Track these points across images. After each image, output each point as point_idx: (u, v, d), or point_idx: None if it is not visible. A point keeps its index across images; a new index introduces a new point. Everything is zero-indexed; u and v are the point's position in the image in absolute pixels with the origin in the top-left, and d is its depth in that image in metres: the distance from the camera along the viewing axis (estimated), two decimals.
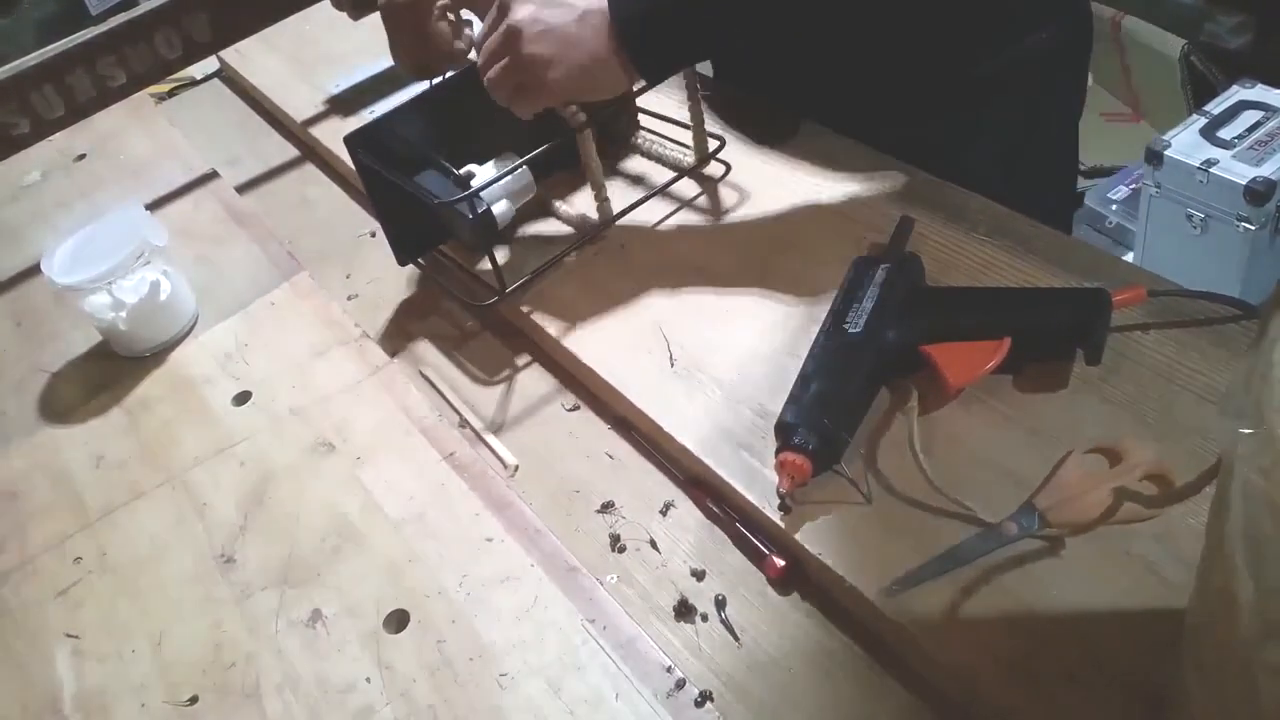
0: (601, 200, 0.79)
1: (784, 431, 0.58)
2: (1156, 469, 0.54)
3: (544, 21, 0.68)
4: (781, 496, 0.56)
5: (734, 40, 0.76)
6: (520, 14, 0.68)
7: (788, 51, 0.86)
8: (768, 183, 0.81)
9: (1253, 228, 1.80)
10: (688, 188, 0.83)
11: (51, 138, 1.00)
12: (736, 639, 0.55)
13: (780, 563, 0.57)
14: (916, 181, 0.78)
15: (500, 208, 0.78)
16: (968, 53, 0.81)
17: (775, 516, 0.58)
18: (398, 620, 0.60)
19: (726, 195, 0.81)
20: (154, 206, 1.02)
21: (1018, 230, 0.71)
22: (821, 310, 0.68)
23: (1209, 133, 1.89)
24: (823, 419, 0.57)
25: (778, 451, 0.57)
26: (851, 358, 0.61)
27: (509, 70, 0.70)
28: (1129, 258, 1.93)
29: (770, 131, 0.86)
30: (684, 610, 0.57)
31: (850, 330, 0.62)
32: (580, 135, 0.75)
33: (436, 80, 0.85)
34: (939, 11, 0.79)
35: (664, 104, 0.90)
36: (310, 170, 1.04)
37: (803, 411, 0.58)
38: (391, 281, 0.86)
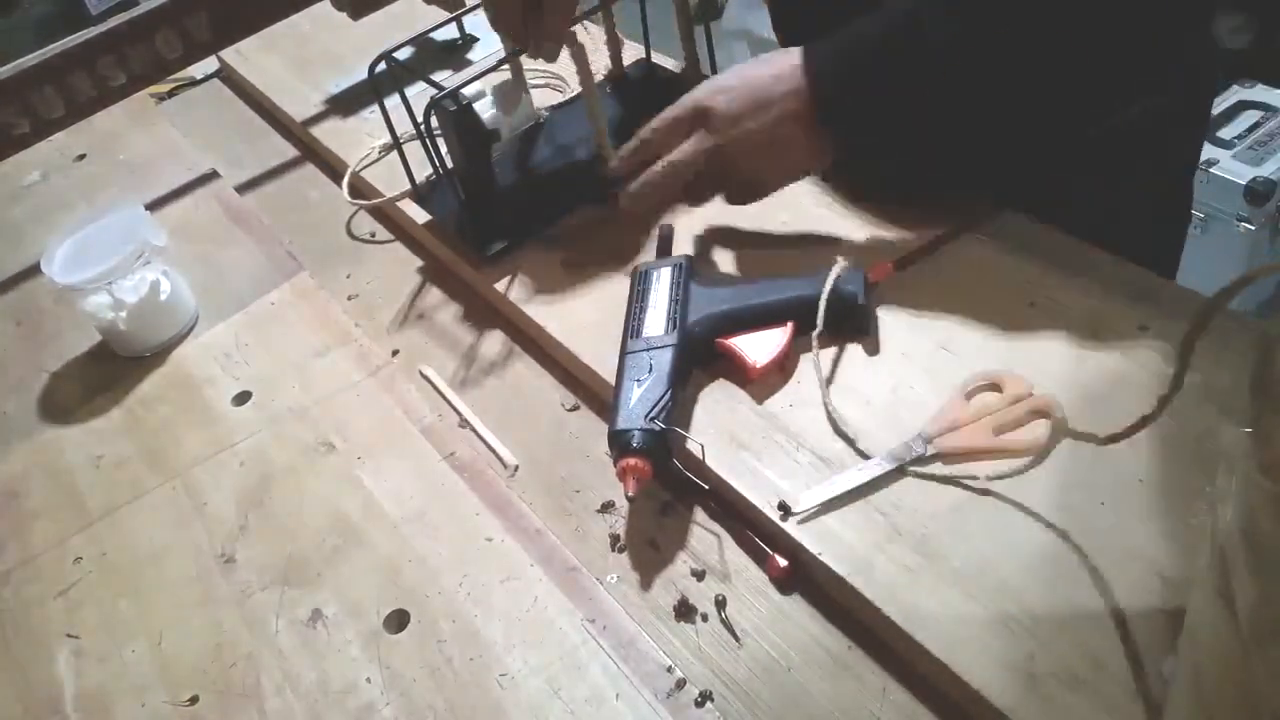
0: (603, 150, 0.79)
1: (618, 440, 0.61)
2: (1038, 403, 0.58)
3: (746, 129, 0.67)
4: (629, 499, 0.59)
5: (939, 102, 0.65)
6: (733, 137, 0.67)
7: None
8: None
9: (1253, 228, 1.80)
10: None
11: (51, 138, 1.00)
12: (736, 639, 0.55)
13: (780, 563, 0.57)
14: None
15: (489, 114, 0.78)
16: (1077, 116, 0.73)
17: (775, 516, 0.58)
18: (398, 620, 0.60)
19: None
20: (154, 206, 1.02)
21: (1019, 232, 0.71)
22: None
23: (1209, 133, 1.89)
24: (651, 420, 0.61)
25: (616, 460, 0.60)
26: (661, 359, 0.65)
27: (722, 187, 0.72)
28: None
29: None
30: (684, 610, 0.57)
31: (652, 334, 0.66)
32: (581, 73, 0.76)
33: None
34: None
35: None
36: (310, 170, 1.04)
37: (631, 417, 0.61)
38: (391, 281, 0.86)
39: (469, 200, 0.80)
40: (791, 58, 0.67)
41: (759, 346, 0.65)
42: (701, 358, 0.67)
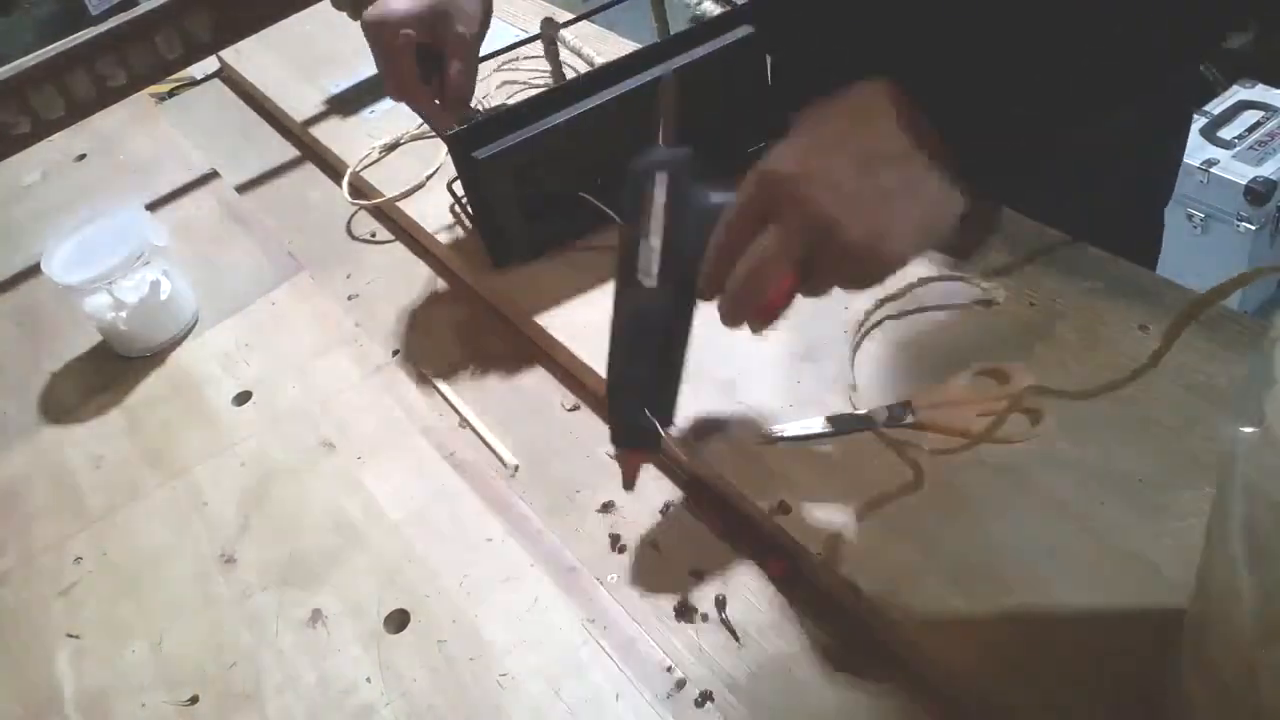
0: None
1: (616, 428, 0.55)
2: (1034, 401, 0.58)
3: (852, 189, 0.47)
4: (628, 488, 0.54)
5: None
6: (819, 200, 0.47)
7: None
8: None
9: (1253, 228, 1.80)
10: None
11: (51, 138, 1.00)
12: (737, 639, 0.55)
13: (780, 563, 0.57)
14: None
15: None
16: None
17: (775, 516, 0.58)
18: (398, 620, 0.60)
19: None
20: (154, 206, 1.02)
21: (1017, 230, 0.71)
22: (820, 312, 0.68)
23: (1209, 133, 1.90)
24: (641, 408, 0.51)
25: (616, 444, 0.55)
26: (651, 322, 0.50)
27: (839, 267, 0.49)
28: None
29: None
30: (684, 610, 0.57)
31: (645, 283, 0.50)
32: None
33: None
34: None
35: None
36: (310, 170, 1.04)
37: (620, 404, 0.53)
38: (391, 281, 0.86)
39: (486, 216, 0.79)
40: (868, 95, 0.49)
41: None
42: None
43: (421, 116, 0.83)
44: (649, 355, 0.51)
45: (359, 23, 0.79)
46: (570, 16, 0.91)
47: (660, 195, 0.48)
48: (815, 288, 0.50)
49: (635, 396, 0.52)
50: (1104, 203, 0.81)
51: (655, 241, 0.48)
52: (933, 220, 0.49)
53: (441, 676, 0.57)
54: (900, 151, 0.47)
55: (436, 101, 0.79)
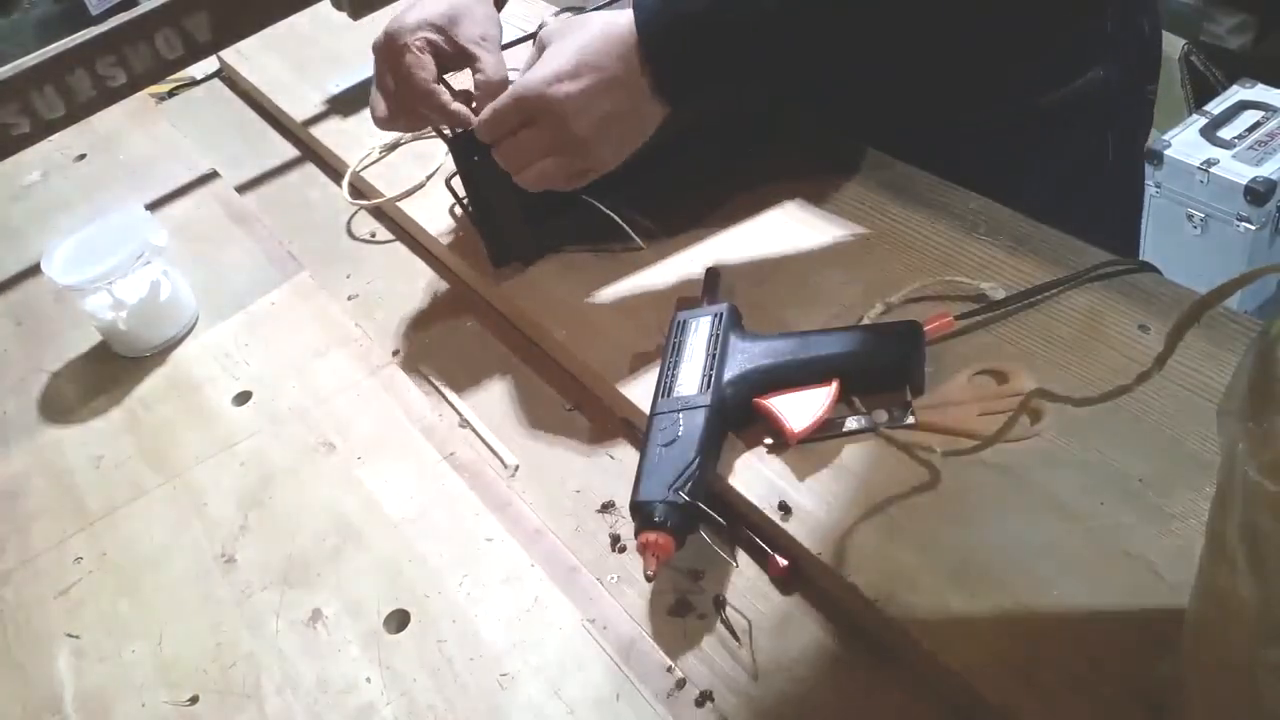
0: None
1: (640, 511, 0.56)
2: (1034, 400, 0.56)
3: (579, 92, 0.65)
4: (648, 578, 0.55)
5: (772, 62, 0.69)
6: (552, 91, 0.65)
7: (837, 75, 0.82)
8: (774, 185, 0.81)
9: (1253, 228, 1.81)
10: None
11: (51, 138, 1.00)
12: (737, 639, 0.55)
13: (781, 562, 0.57)
14: (914, 180, 0.78)
15: None
16: (1029, 85, 0.80)
17: (775, 517, 0.58)
18: (398, 620, 0.60)
19: (729, 196, 0.81)
20: (154, 206, 1.02)
21: (1018, 230, 0.71)
22: (820, 314, 0.68)
23: (1209, 133, 1.90)
24: (678, 492, 0.56)
25: (637, 532, 0.56)
26: (691, 422, 0.59)
27: (558, 161, 0.68)
28: None
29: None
30: (684, 610, 0.57)
31: (685, 393, 0.61)
32: None
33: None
34: (998, 43, 0.77)
35: None
36: (310, 170, 1.04)
37: (654, 488, 0.57)
38: (391, 281, 0.86)
39: (486, 216, 0.79)
40: (622, 24, 0.65)
41: (799, 409, 0.60)
42: (738, 419, 0.62)
43: (438, 119, 0.77)
44: (687, 443, 0.59)
45: (373, 45, 0.76)
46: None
47: (705, 331, 0.65)
48: (521, 160, 0.69)
49: (677, 485, 0.57)
50: (1079, 163, 0.85)
51: (698, 364, 0.63)
52: (636, 135, 0.69)
53: (441, 676, 0.57)
54: (626, 77, 0.65)
55: (454, 105, 0.77)
